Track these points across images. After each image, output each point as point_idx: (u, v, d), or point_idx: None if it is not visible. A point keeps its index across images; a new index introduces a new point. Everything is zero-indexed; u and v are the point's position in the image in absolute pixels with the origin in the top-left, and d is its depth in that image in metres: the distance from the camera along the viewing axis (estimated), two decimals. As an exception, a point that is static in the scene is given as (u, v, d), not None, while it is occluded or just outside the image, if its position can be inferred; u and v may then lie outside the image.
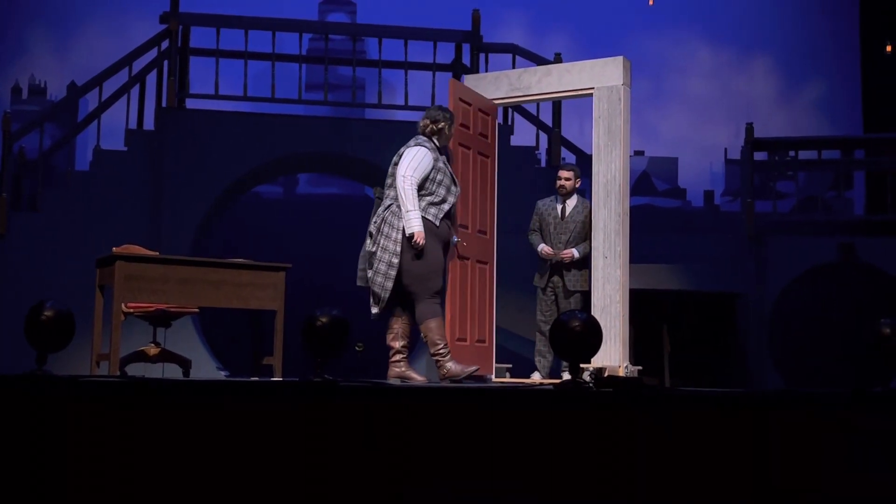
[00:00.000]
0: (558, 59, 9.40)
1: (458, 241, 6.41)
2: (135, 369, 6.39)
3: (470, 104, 6.78)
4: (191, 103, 9.63)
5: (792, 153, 10.46)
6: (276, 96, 9.62)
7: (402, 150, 6.05)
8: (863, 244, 9.78)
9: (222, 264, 6.06)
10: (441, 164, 6.02)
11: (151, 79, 9.53)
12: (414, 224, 5.84)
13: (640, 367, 6.54)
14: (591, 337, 4.76)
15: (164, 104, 9.40)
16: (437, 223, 5.96)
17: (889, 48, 11.86)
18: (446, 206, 6.00)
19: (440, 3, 13.07)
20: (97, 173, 9.30)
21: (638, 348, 6.62)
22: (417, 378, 6.04)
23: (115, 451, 4.02)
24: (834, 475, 4.28)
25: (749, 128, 10.03)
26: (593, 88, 6.65)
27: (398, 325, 6.10)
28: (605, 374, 6.04)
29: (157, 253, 6.51)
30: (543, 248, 7.11)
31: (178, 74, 9.44)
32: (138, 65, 9.54)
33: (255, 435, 4.08)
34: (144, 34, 9.79)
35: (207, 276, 5.94)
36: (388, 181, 6.05)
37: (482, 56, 9.98)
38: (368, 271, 5.99)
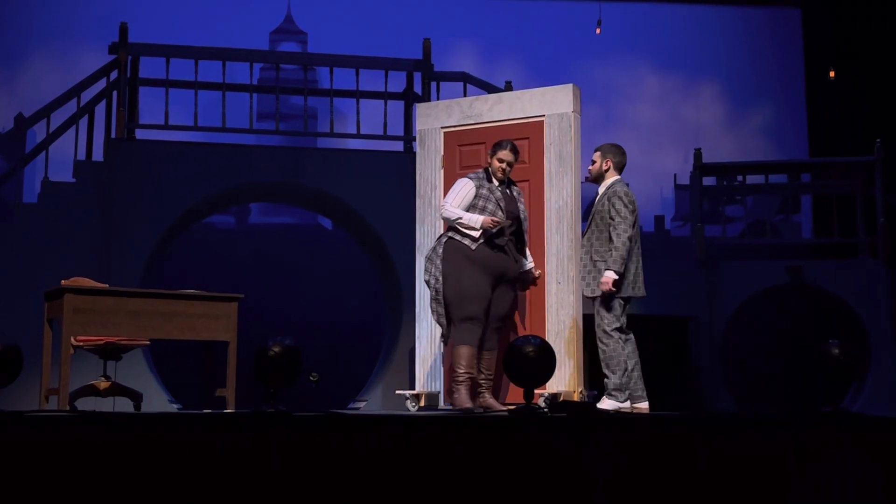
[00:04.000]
0: (509, 87, 9.46)
1: (535, 271, 6.39)
2: (85, 403, 6.29)
3: (483, 142, 6.83)
4: (140, 134, 9.54)
5: (740, 178, 10.59)
6: (227, 126, 9.55)
7: None
8: (811, 267, 9.92)
9: (173, 295, 6.00)
10: (485, 192, 6.16)
11: (100, 109, 9.42)
12: (472, 221, 6.03)
13: (594, 392, 6.56)
14: (545, 362, 4.79)
15: (113, 135, 9.30)
16: (474, 247, 6.04)
17: (832, 74, 12.09)
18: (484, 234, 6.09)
19: (391, 32, 13.11)
20: (45, 205, 9.16)
21: (593, 373, 6.64)
22: (498, 407, 6.06)
23: (65, 487, 3.95)
24: (790, 496, 4.32)
25: (697, 153, 10.15)
26: (544, 116, 6.71)
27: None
28: (561, 399, 6.06)
29: (107, 285, 6.44)
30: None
31: (128, 105, 9.35)
32: (87, 95, 9.43)
33: (208, 468, 4.03)
34: (93, 65, 9.69)
35: (158, 308, 5.88)
36: None
37: (433, 84, 10.02)
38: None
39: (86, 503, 3.95)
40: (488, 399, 6.14)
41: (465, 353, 6.01)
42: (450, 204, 6.15)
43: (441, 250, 6.13)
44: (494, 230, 6.05)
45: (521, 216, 6.26)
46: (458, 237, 6.10)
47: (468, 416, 4.80)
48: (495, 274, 6.10)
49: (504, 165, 6.21)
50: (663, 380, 7.97)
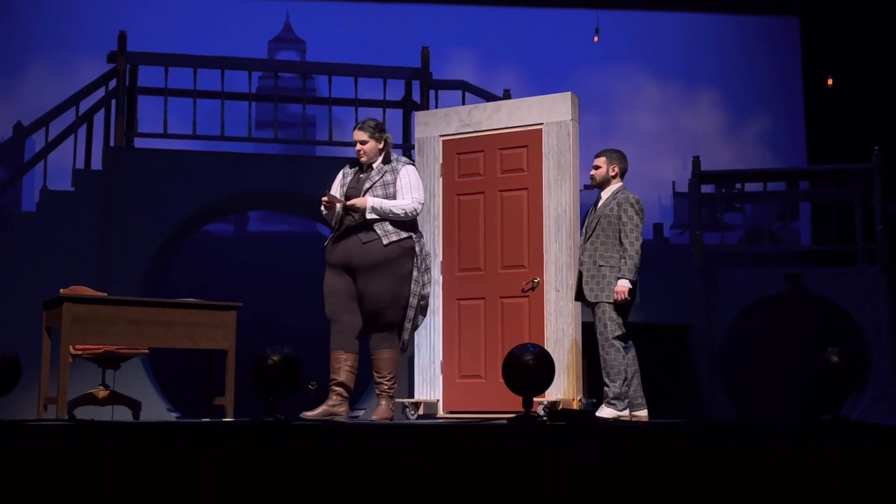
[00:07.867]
0: (507, 96, 9.48)
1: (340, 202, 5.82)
2: (83, 412, 6.29)
3: (482, 150, 6.83)
4: (139, 142, 9.55)
5: (738, 185, 10.60)
6: (226, 134, 9.57)
7: None
8: (809, 274, 9.93)
9: (172, 304, 6.00)
10: (341, 178, 5.97)
11: (99, 118, 9.43)
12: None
13: (593, 400, 6.56)
14: (544, 370, 4.78)
15: (112, 144, 9.31)
16: (327, 242, 5.92)
17: (830, 81, 12.11)
18: (333, 224, 5.87)
19: (389, 40, 13.13)
20: (44, 214, 9.17)
21: (592, 381, 6.64)
22: (380, 416, 5.87)
23: (64, 495, 3.94)
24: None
25: (696, 161, 10.16)
26: (542, 124, 6.71)
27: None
28: (559, 408, 6.06)
29: (106, 294, 6.44)
30: None
31: (126, 114, 9.37)
32: (85, 104, 9.44)
33: (207, 477, 4.03)
34: (92, 73, 9.71)
35: (157, 317, 5.87)
36: None
37: (432, 93, 10.03)
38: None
39: (84, 512, 3.94)
40: (380, 408, 5.78)
41: (331, 358, 5.81)
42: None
43: None
44: (325, 211, 5.78)
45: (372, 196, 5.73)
46: None
47: (468, 424, 4.80)
48: (341, 264, 5.77)
49: (357, 147, 5.83)
50: (662, 388, 7.97)
